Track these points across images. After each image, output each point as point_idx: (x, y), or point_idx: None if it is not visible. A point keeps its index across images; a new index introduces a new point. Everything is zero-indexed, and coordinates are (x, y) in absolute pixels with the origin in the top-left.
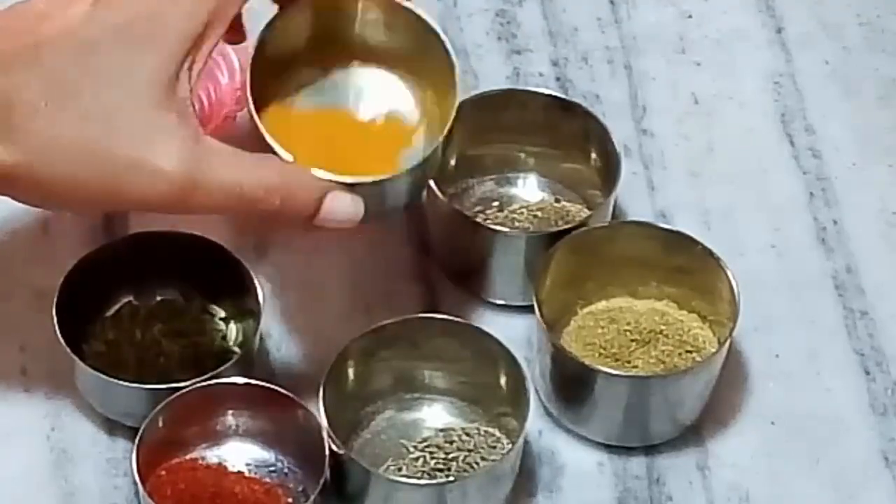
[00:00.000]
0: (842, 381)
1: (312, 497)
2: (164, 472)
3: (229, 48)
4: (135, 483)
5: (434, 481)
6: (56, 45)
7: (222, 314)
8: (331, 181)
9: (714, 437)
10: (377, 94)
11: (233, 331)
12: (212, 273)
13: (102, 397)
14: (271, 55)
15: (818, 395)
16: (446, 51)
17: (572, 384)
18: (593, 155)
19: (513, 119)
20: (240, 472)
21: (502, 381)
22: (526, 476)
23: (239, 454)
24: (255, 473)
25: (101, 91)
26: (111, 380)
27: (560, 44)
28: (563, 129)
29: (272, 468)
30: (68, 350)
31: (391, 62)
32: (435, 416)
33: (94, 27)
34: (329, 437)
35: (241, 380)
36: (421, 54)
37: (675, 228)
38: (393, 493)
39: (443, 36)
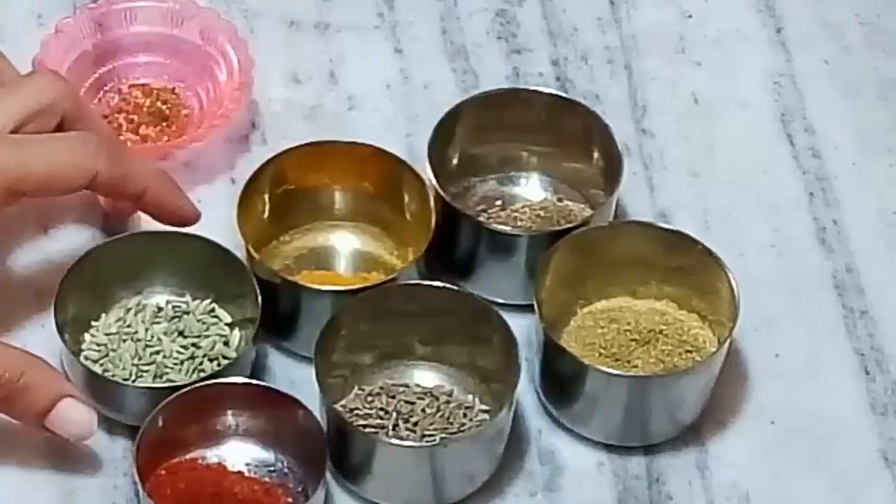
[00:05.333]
0: (842, 381)
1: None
2: (164, 472)
3: (229, 46)
4: (135, 483)
5: (425, 444)
6: None
7: (228, 319)
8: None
9: (714, 436)
10: None
11: (236, 336)
12: (214, 274)
13: (98, 395)
14: None
15: (818, 395)
16: None
17: (572, 384)
18: (596, 154)
19: (515, 118)
20: (240, 472)
21: (493, 343)
22: (526, 476)
23: (239, 454)
24: (255, 473)
25: None
26: (107, 377)
27: (560, 44)
28: (566, 129)
29: (272, 468)
30: (65, 346)
31: None
32: (425, 379)
33: None
34: (322, 391)
35: (241, 380)
36: None
37: (675, 228)
38: (384, 455)
39: None
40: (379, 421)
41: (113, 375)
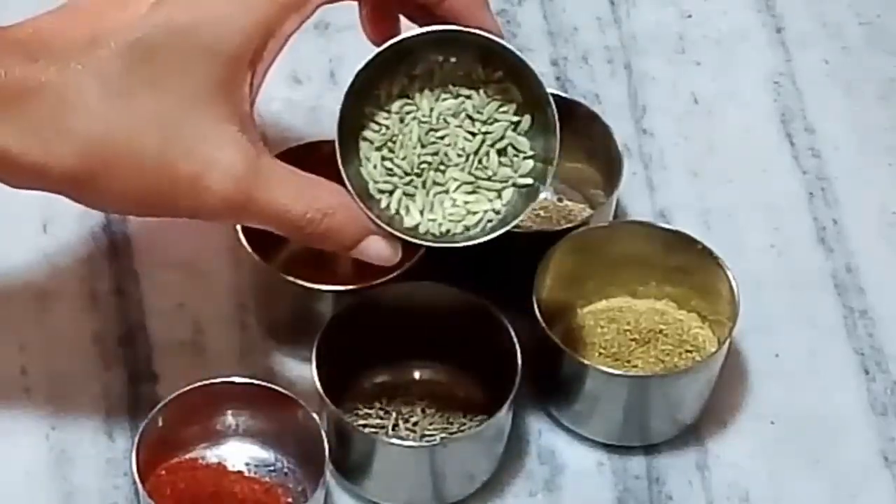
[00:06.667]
0: (842, 381)
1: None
2: (164, 472)
3: None
4: (135, 483)
5: (425, 444)
6: (112, 43)
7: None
8: (380, 227)
9: (714, 436)
10: None
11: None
12: None
13: None
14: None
15: (818, 395)
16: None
17: (572, 384)
18: (596, 154)
19: None
20: (240, 472)
21: (493, 343)
22: (526, 475)
23: (239, 454)
24: (255, 473)
25: (157, 98)
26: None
27: (560, 44)
28: (566, 129)
29: (272, 468)
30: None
31: None
32: (425, 379)
33: (154, 28)
34: (323, 398)
35: (241, 380)
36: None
37: (675, 228)
38: (384, 455)
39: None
40: (379, 421)
41: (393, 169)
